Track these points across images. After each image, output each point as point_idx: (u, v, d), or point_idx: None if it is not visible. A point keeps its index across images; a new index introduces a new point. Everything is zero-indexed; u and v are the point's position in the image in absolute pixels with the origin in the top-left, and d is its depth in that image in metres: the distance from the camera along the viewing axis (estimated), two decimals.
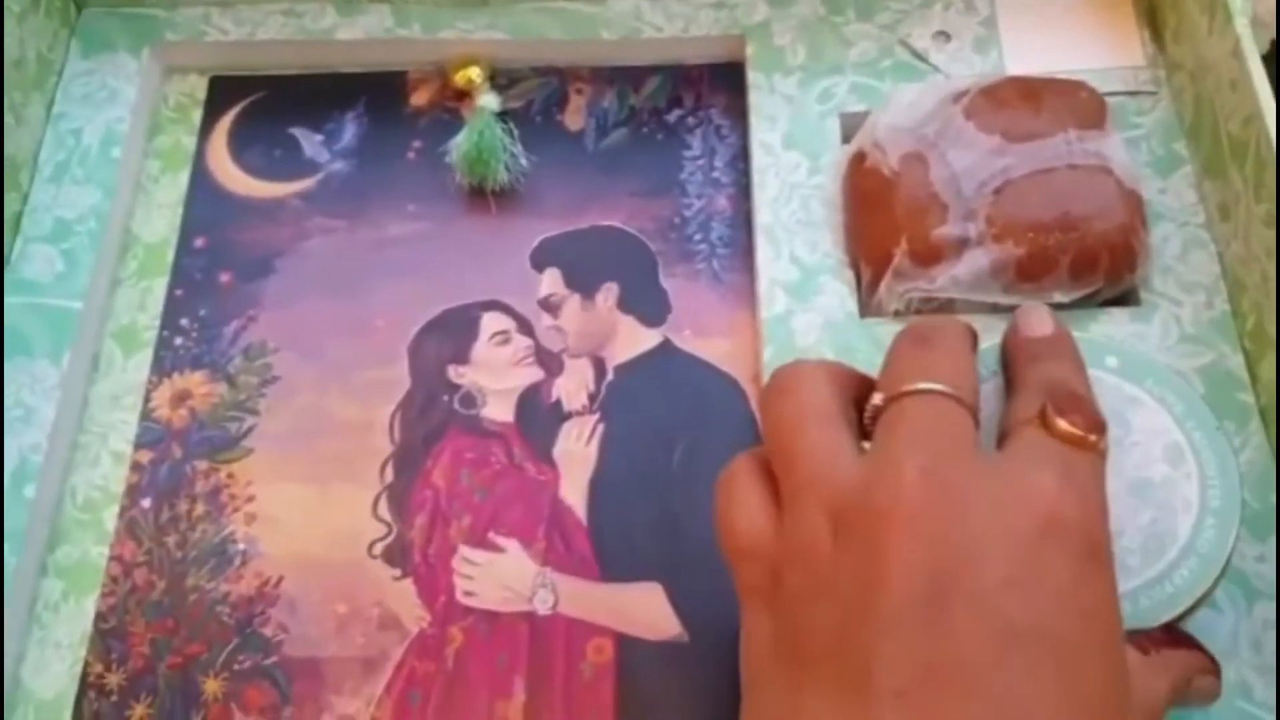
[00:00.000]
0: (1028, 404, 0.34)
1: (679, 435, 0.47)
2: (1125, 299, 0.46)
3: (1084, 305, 0.46)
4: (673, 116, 0.53)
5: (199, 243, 0.52)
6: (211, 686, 0.44)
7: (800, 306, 0.47)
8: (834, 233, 0.49)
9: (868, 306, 0.47)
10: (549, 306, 0.50)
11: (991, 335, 0.39)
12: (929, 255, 0.45)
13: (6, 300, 0.49)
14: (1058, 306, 0.43)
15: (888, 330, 0.46)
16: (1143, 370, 0.40)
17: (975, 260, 0.45)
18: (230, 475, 0.48)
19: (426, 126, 0.54)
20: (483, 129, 0.52)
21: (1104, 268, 0.45)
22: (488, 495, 0.47)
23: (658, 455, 0.47)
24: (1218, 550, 0.36)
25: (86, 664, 0.44)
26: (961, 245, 0.45)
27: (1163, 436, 0.38)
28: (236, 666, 0.44)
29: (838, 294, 0.47)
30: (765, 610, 0.32)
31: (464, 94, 0.54)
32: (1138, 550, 0.37)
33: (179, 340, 0.50)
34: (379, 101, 0.55)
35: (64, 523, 0.47)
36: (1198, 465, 0.38)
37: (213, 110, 0.55)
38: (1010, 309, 0.43)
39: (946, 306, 0.46)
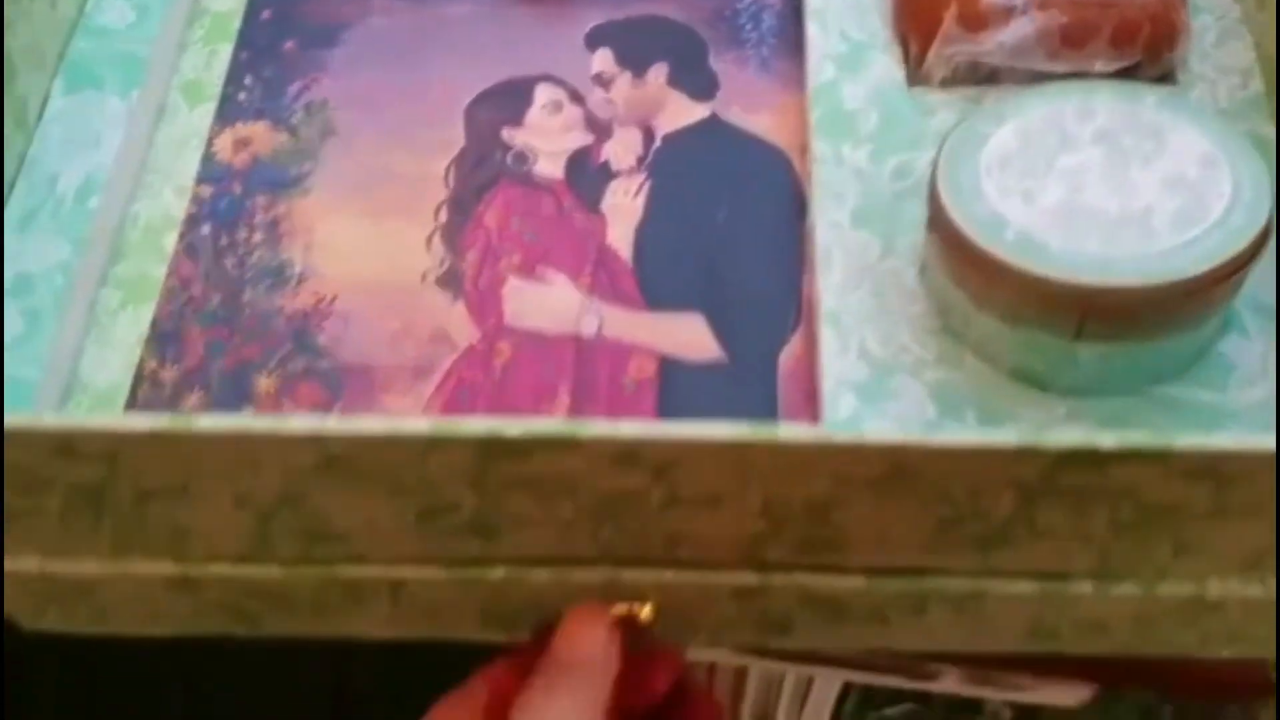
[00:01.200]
0: None
1: (724, 196, 0.49)
2: (1164, 80, 0.48)
3: (1124, 79, 0.47)
4: None
5: (265, 14, 0.54)
6: (264, 383, 0.45)
7: (849, 77, 0.49)
8: (883, 13, 0.51)
9: (916, 76, 0.49)
10: (601, 81, 0.52)
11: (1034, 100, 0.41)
12: (977, 21, 0.47)
13: (78, 44, 0.51)
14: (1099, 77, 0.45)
15: (936, 99, 0.48)
16: (1179, 104, 0.41)
17: (1021, 28, 0.47)
18: (289, 209, 0.49)
19: None
20: None
21: (1144, 39, 0.47)
22: (537, 238, 0.48)
23: (702, 211, 0.49)
24: (1249, 225, 0.38)
25: (142, 360, 0.45)
26: (1008, 13, 0.47)
27: (1197, 147, 0.40)
28: (290, 366, 0.45)
29: (886, 66, 0.49)
30: None
31: None
32: (1168, 222, 0.38)
33: (242, 95, 0.52)
34: None
35: (124, 243, 0.48)
36: (1230, 170, 0.39)
37: None
38: (1054, 76, 0.45)
39: (991, 77, 0.48)
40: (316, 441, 0.35)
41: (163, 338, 0.46)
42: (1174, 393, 0.41)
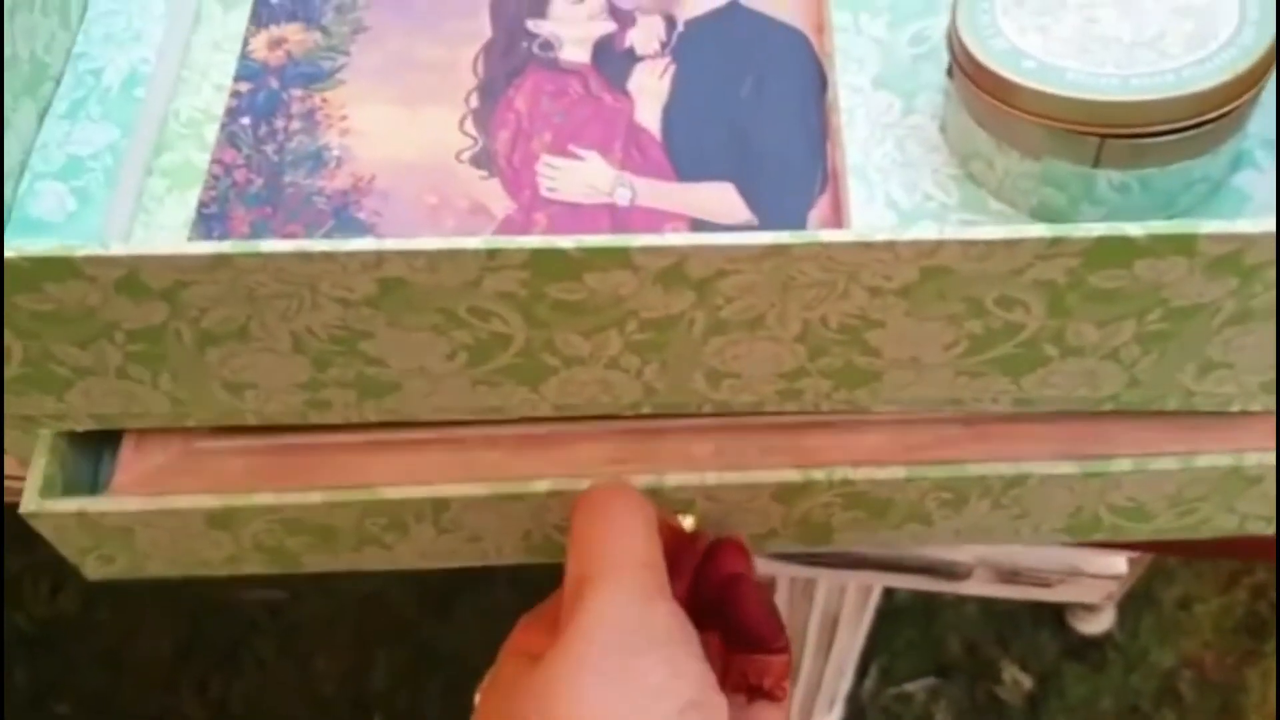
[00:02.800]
0: None
1: (746, 76, 0.50)
2: None
3: None
4: None
5: None
6: None
7: None
8: None
9: None
10: None
11: None
12: None
13: None
14: None
15: None
16: None
17: None
18: (324, 100, 0.51)
19: None
20: None
21: None
22: (567, 118, 0.50)
23: (726, 90, 0.50)
24: (1258, 42, 0.39)
25: (189, 240, 0.47)
26: None
27: None
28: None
29: None
30: None
31: None
32: (1180, 45, 0.40)
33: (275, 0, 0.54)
34: None
35: (167, 135, 0.49)
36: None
37: None
38: None
39: None
40: (376, 261, 0.36)
41: (209, 219, 0.47)
42: None
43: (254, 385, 0.42)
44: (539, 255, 0.36)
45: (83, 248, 0.36)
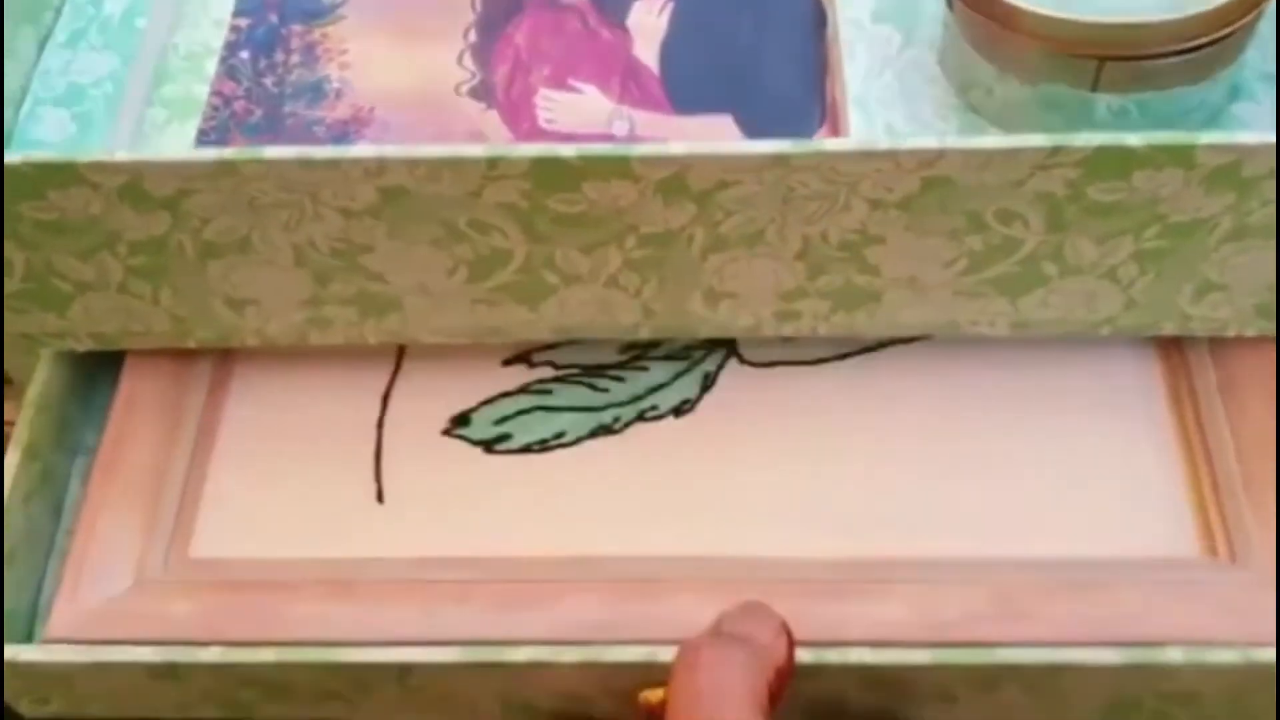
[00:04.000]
0: None
1: (746, 14, 0.50)
2: None
3: None
4: None
5: None
6: None
7: None
8: None
9: None
10: None
11: None
12: None
13: None
14: None
15: None
16: None
17: None
18: (324, 34, 0.51)
19: None
20: None
21: None
22: (566, 53, 0.50)
23: (725, 27, 0.50)
24: None
25: None
26: None
27: None
28: None
29: None
30: None
31: None
32: None
33: None
34: None
35: (167, 68, 0.49)
36: None
37: None
38: None
39: None
40: (378, 169, 0.36)
41: (208, 146, 0.47)
42: None
43: (255, 301, 0.42)
44: (540, 164, 0.36)
45: (87, 154, 0.36)
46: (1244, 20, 0.40)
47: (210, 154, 0.36)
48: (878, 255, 0.40)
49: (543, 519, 0.43)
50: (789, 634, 0.37)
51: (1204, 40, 0.40)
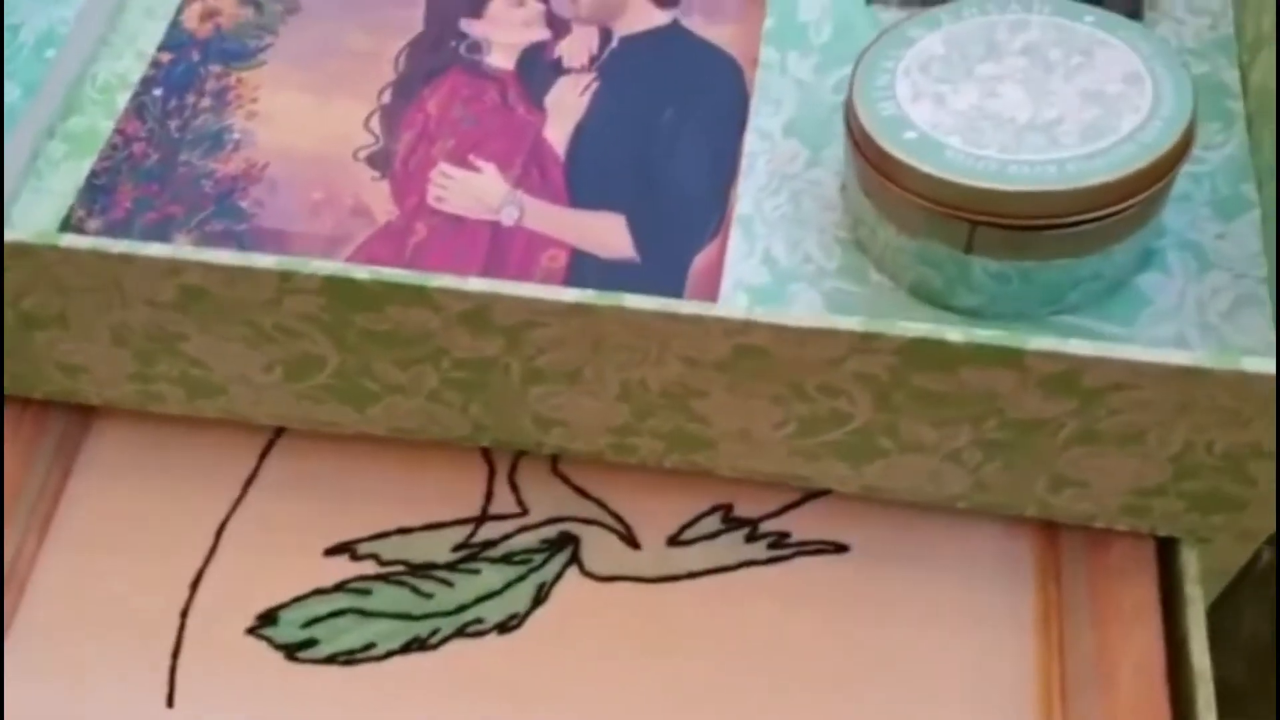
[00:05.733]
0: None
1: (670, 103, 0.48)
2: (1132, 16, 0.46)
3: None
4: None
5: None
6: (181, 241, 0.45)
7: None
8: None
9: None
10: None
11: (971, 10, 0.40)
12: None
13: None
14: None
15: (893, 16, 0.47)
16: (1117, 24, 0.40)
17: None
18: (240, 80, 0.50)
19: None
20: None
21: None
22: (476, 124, 0.48)
23: (647, 116, 0.48)
24: (1158, 143, 0.36)
25: (71, 209, 0.46)
26: None
27: (1124, 66, 0.39)
28: (209, 227, 0.46)
29: None
30: None
31: None
32: (1076, 133, 0.37)
33: None
34: None
35: (80, 100, 0.49)
36: (1153, 88, 0.38)
37: None
38: None
39: None
40: (173, 269, 0.35)
41: (95, 189, 0.47)
42: (1077, 321, 0.40)
43: (85, 370, 0.41)
44: (334, 283, 0.35)
45: None
46: (1139, 197, 0.37)
47: (11, 236, 0.35)
48: (704, 408, 0.37)
49: None
50: None
51: (1088, 216, 0.37)
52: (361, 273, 0.34)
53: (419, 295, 0.35)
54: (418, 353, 0.37)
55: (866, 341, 0.33)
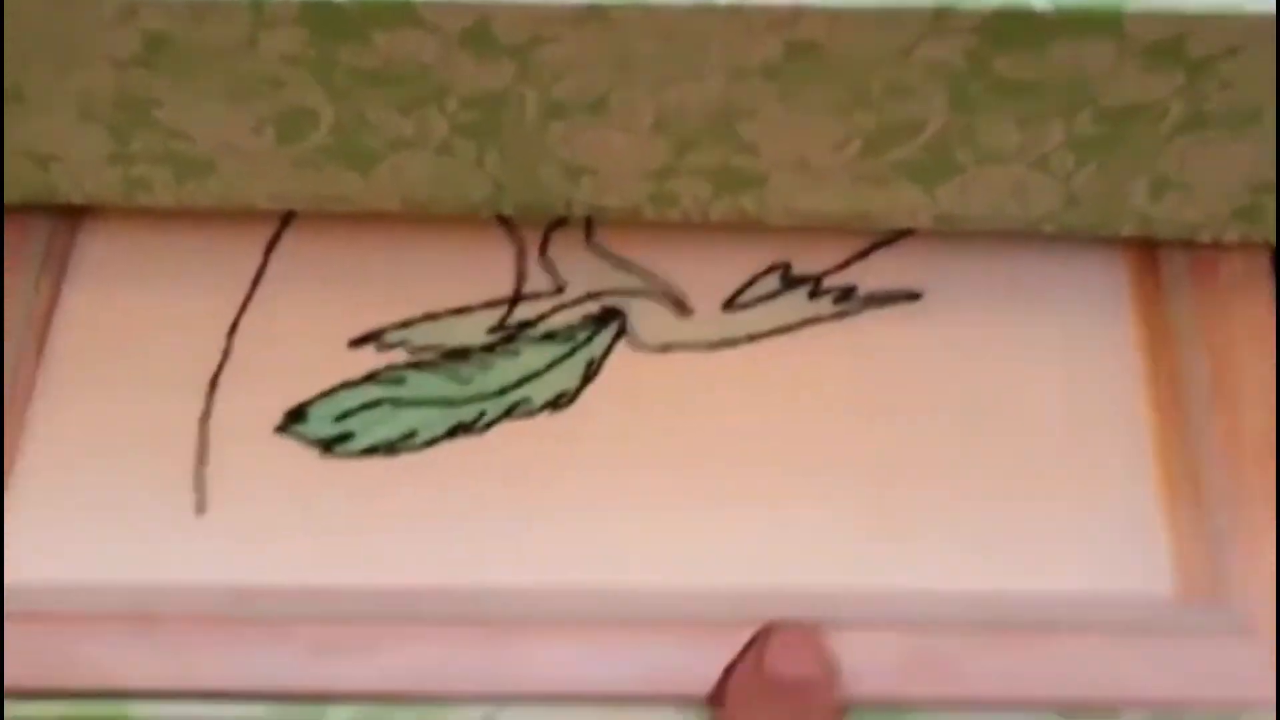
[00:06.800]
0: None
1: None
2: None
3: None
4: None
5: None
6: None
7: None
8: None
9: None
10: None
11: None
12: None
13: None
14: None
15: None
16: None
17: None
18: None
19: None
20: None
21: None
22: None
23: None
24: None
25: None
26: None
27: None
28: None
29: None
30: None
31: None
32: None
33: None
34: None
35: None
36: None
37: None
38: None
39: None
40: (129, 8, 0.31)
41: None
42: None
43: (58, 158, 0.37)
44: (311, 8, 0.30)
45: None
46: None
47: None
48: (752, 131, 0.33)
49: (382, 541, 0.36)
50: None
51: None
52: None
53: (406, 13, 0.30)
54: (417, 91, 0.32)
55: (940, 20, 0.28)
